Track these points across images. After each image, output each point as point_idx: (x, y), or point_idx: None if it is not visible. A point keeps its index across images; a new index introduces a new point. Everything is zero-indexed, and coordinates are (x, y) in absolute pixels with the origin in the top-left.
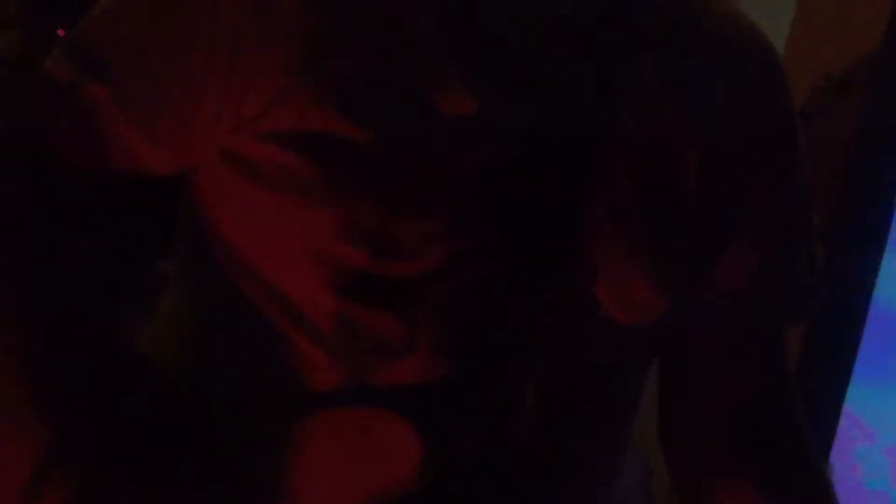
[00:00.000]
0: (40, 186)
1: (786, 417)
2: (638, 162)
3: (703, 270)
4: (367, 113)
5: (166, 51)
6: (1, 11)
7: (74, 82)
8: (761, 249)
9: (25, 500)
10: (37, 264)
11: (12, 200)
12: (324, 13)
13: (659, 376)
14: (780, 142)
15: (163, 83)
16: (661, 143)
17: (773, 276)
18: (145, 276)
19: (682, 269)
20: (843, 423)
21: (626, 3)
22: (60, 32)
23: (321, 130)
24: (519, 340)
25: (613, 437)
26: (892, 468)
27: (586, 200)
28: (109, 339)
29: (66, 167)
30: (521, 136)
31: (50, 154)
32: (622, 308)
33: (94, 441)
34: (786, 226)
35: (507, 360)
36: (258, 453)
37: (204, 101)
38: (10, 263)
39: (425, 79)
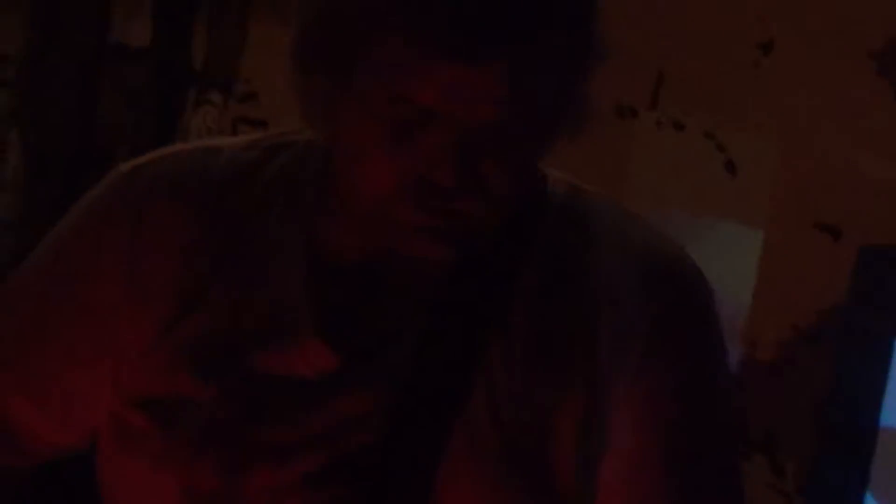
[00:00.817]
0: None
1: None
2: (503, 417)
3: None
4: (215, 374)
5: (47, 317)
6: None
7: None
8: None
9: None
10: None
11: None
12: (190, 280)
13: None
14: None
15: (44, 350)
16: (527, 399)
17: None
18: None
19: None
20: None
21: (502, 257)
22: None
23: (167, 392)
24: None
25: None
26: None
27: (448, 453)
28: None
29: None
30: (382, 388)
31: None
32: None
33: None
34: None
35: None
36: None
37: (81, 367)
38: None
39: (283, 341)
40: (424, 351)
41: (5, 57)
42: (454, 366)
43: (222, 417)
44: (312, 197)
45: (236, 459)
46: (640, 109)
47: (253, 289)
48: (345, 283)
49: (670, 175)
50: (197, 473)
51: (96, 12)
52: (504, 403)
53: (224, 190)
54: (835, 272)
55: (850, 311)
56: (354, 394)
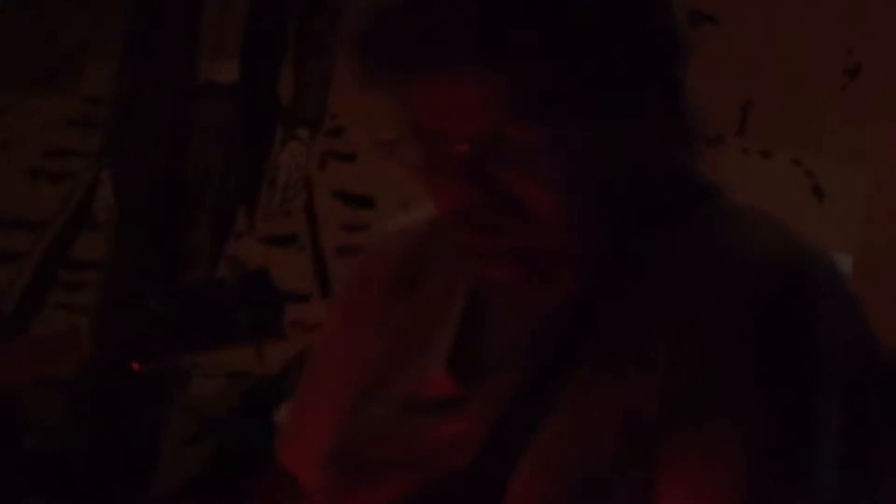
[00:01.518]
0: None
1: None
2: (573, 444)
3: None
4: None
5: (313, 380)
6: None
7: None
8: None
9: None
10: None
11: None
12: (374, 328)
13: None
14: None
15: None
16: (597, 425)
17: None
18: None
19: None
20: None
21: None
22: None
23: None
24: None
25: None
26: None
27: (520, 480)
28: None
29: None
30: (482, 414)
31: None
32: None
33: None
34: None
35: None
36: None
37: None
38: None
39: (417, 369)
40: (523, 380)
41: (98, 98)
42: (544, 397)
43: (345, 440)
44: None
45: (347, 480)
46: (727, 137)
47: (414, 327)
48: (477, 313)
49: (757, 202)
50: (323, 495)
51: (185, 52)
52: (576, 429)
53: (419, 244)
54: None
55: None
56: (461, 418)
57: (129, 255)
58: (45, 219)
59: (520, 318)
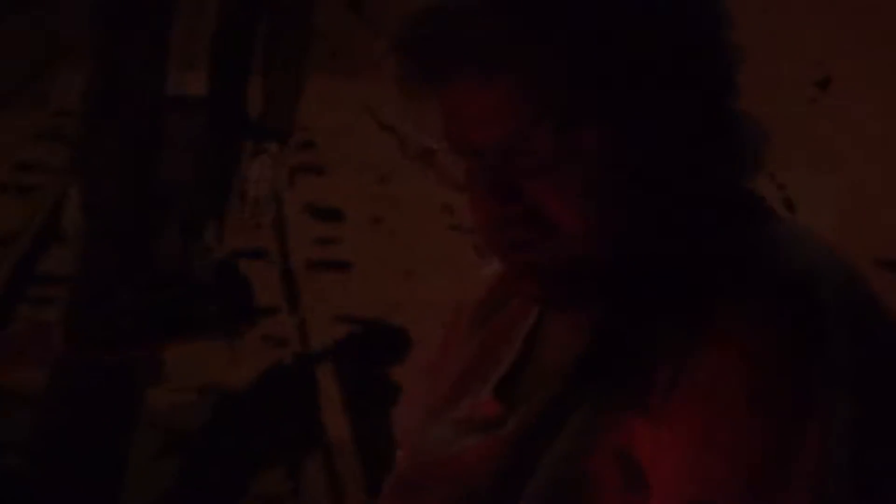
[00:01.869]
0: None
1: None
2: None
3: None
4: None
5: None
6: None
7: None
8: None
9: None
10: None
11: None
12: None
13: None
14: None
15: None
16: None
17: None
18: None
19: None
20: None
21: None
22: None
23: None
24: None
25: None
26: None
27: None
28: None
29: None
30: (512, 436)
31: None
32: None
33: None
34: None
35: None
36: None
37: None
38: None
39: (473, 392)
40: (547, 402)
41: (68, 111)
42: (560, 420)
43: (404, 462)
44: None
45: (395, 499)
46: None
47: (484, 353)
48: (536, 337)
49: None
50: None
51: (154, 65)
52: (575, 453)
53: (504, 278)
54: None
55: None
56: (495, 439)
57: (97, 270)
58: (14, 234)
59: (560, 339)
